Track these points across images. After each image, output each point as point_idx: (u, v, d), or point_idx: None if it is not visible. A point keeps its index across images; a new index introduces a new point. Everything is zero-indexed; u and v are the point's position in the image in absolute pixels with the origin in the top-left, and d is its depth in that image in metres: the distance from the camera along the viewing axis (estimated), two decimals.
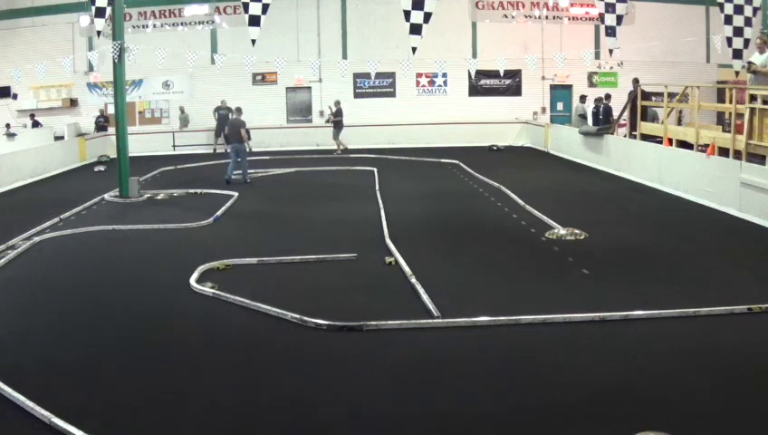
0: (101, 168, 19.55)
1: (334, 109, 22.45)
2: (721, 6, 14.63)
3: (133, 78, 22.99)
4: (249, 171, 16.53)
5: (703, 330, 6.15)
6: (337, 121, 22.51)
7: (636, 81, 17.24)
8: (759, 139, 11.17)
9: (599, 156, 17.80)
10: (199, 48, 21.44)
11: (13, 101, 24.46)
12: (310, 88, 25.29)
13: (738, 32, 14.58)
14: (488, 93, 25.48)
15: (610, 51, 15.23)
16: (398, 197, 13.63)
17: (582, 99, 21.18)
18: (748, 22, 14.65)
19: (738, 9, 14.55)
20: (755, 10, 14.78)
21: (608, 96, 19.78)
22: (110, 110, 21.06)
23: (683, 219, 11.27)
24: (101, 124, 23.72)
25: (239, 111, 17.17)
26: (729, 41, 14.60)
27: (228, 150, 17.48)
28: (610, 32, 14.61)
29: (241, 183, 15.89)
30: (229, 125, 17.00)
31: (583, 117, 20.03)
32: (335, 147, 22.37)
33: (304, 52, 23.84)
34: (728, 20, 14.59)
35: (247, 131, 16.58)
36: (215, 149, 23.42)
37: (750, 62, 12.27)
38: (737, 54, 14.49)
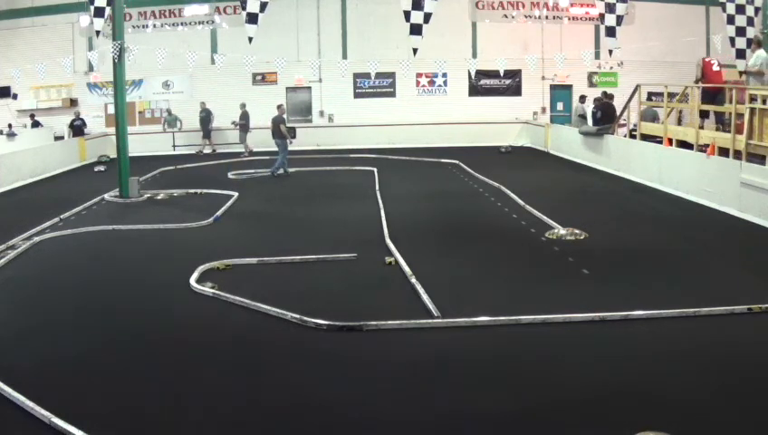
0: (101, 168, 19.56)
1: (240, 112, 22.89)
2: (723, 6, 14.61)
3: (133, 78, 22.96)
4: (249, 171, 16.84)
5: (703, 330, 6.15)
6: (242, 124, 22.90)
7: (605, 94, 19.31)
8: (759, 139, 11.17)
9: (599, 156, 17.79)
10: (199, 48, 21.41)
11: (13, 101, 24.46)
12: (310, 88, 25.29)
13: (741, 31, 14.56)
14: (488, 93, 25.47)
15: (610, 51, 15.23)
16: (398, 197, 13.63)
17: (582, 99, 21.18)
18: (750, 21, 14.63)
19: (740, 9, 14.53)
20: (757, 10, 14.76)
21: (610, 95, 19.74)
22: (111, 110, 21.05)
23: (683, 219, 11.27)
24: (78, 126, 23.55)
25: (279, 108, 17.90)
26: (732, 41, 14.58)
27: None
28: (610, 32, 14.59)
29: (283, 176, 17.01)
30: (271, 122, 17.70)
31: (583, 117, 20.01)
32: (242, 149, 22.68)
33: (304, 52, 23.83)
34: (731, 20, 14.57)
35: (286, 126, 17.39)
36: (200, 151, 23.32)
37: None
38: (740, 54, 14.47)
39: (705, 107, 14.06)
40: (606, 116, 18.63)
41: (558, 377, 5.22)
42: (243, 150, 22.57)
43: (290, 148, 17.91)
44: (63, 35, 24.33)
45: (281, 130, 17.24)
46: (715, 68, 14.48)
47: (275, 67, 21.97)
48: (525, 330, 6.22)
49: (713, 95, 14.03)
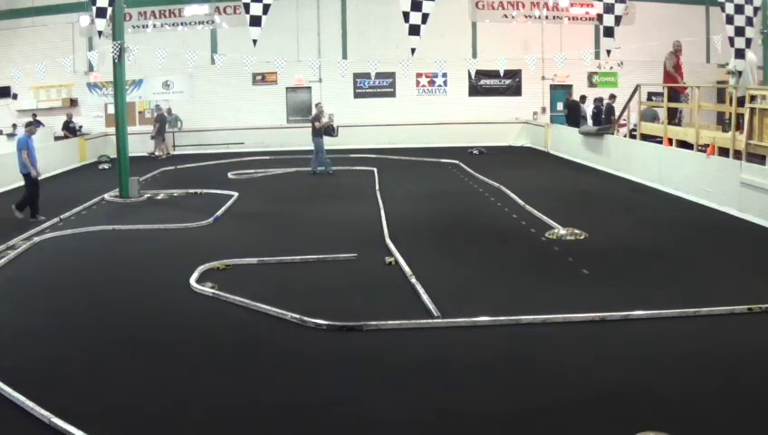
0: (106, 166, 19.61)
1: (156, 114, 23.07)
2: (722, 6, 14.60)
3: (133, 78, 22.96)
4: (249, 171, 16.91)
5: (703, 330, 6.15)
6: (159, 128, 22.94)
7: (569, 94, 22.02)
8: (759, 139, 11.16)
9: (599, 156, 17.79)
10: (199, 48, 21.40)
11: (13, 101, 24.46)
12: (310, 88, 25.28)
13: (740, 31, 14.55)
14: (488, 93, 25.45)
15: (608, 51, 15.24)
16: (398, 197, 13.63)
17: (582, 99, 21.18)
18: (749, 21, 14.63)
19: (739, 9, 14.52)
20: (756, 10, 14.75)
21: (612, 96, 19.76)
22: (111, 110, 21.05)
23: (683, 219, 11.27)
24: (72, 128, 23.53)
25: (317, 106, 18.30)
26: (731, 40, 14.59)
27: None
28: (608, 32, 14.59)
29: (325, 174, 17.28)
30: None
31: (583, 117, 20.03)
32: (158, 151, 22.57)
33: (304, 52, 23.81)
34: (729, 20, 14.56)
35: (321, 123, 17.53)
36: (153, 153, 22.74)
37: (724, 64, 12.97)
38: (740, 54, 14.47)
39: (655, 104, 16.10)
40: (573, 115, 20.45)
41: (558, 377, 5.22)
42: (158, 153, 22.59)
43: (288, 148, 17.95)
44: (63, 35, 24.30)
45: (315, 128, 17.51)
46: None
47: (275, 67, 21.98)
48: (525, 330, 6.23)
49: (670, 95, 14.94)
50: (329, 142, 17.95)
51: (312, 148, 17.84)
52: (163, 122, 22.84)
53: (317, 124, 17.53)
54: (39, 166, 12.25)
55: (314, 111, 18.21)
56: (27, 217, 11.68)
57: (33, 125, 13.05)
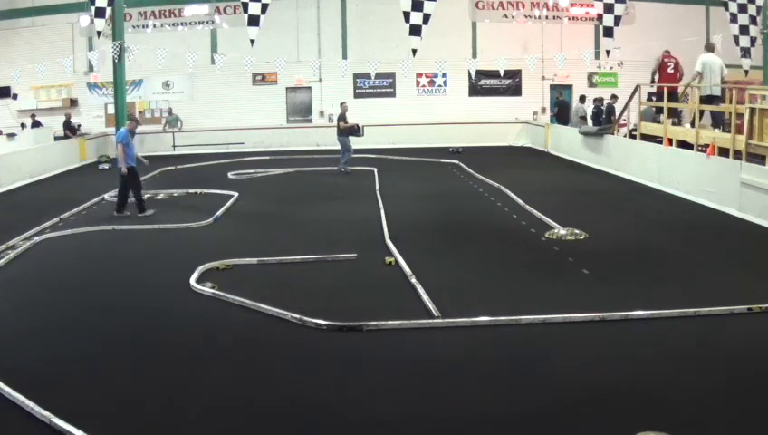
0: (106, 166, 19.62)
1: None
2: (725, 5, 14.62)
3: (133, 78, 22.99)
4: (253, 171, 16.95)
5: (703, 330, 6.15)
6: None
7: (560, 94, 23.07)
8: (759, 139, 11.17)
9: (599, 156, 17.80)
10: (199, 48, 21.45)
11: (13, 101, 24.49)
12: (310, 88, 25.30)
13: (744, 30, 14.57)
14: (488, 93, 25.48)
15: (608, 51, 15.26)
16: (398, 196, 13.63)
17: (582, 99, 21.19)
18: (753, 20, 14.65)
19: (742, 8, 14.53)
20: (759, 9, 14.77)
21: (613, 96, 19.78)
22: (111, 110, 21.07)
23: (683, 219, 11.27)
24: (72, 128, 23.68)
25: (342, 105, 18.11)
26: (736, 39, 14.59)
27: None
28: (608, 32, 14.63)
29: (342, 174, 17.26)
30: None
31: (583, 118, 20.03)
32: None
33: (304, 52, 23.85)
34: (734, 18, 14.57)
35: (346, 123, 17.59)
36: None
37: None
38: (745, 53, 14.48)
39: (656, 104, 15.65)
40: (562, 114, 21.57)
41: (558, 377, 5.22)
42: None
43: (288, 148, 17.91)
44: (63, 35, 24.34)
45: (339, 128, 17.53)
46: (670, 70, 15.12)
47: (275, 67, 22.03)
48: (525, 330, 6.22)
49: (664, 94, 14.90)
50: (325, 142, 18.03)
51: (338, 147, 17.96)
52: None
53: (341, 124, 17.51)
54: (40, 166, 12.26)
55: (341, 111, 18.01)
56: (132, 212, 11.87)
57: (135, 121, 13.12)
